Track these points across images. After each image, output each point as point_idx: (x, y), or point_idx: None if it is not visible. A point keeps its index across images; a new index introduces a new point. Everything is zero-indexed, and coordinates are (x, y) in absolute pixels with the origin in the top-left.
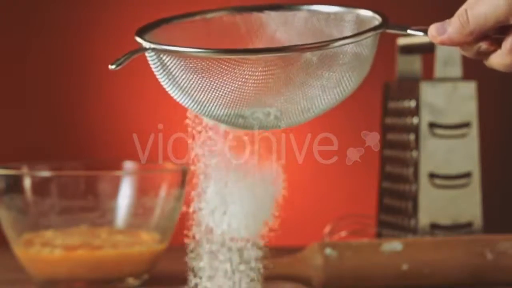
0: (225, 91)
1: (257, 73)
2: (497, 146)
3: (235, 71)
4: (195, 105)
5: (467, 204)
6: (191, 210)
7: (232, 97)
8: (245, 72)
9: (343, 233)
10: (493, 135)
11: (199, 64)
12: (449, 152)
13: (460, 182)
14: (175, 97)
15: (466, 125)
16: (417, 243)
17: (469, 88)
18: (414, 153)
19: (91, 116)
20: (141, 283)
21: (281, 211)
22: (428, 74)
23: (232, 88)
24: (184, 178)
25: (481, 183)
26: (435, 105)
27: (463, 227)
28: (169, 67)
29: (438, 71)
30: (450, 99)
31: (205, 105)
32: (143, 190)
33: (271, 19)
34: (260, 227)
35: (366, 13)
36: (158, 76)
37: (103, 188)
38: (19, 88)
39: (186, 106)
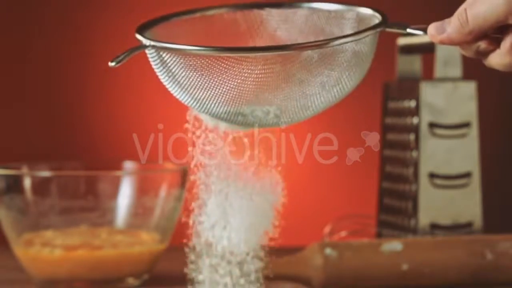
0: (224, 89)
1: (256, 71)
2: (497, 146)
3: (235, 69)
4: (195, 103)
5: (467, 204)
6: (190, 221)
7: (231, 94)
8: (244, 70)
9: (343, 233)
10: (493, 135)
11: (199, 62)
12: (449, 152)
13: (460, 182)
14: (175, 95)
15: (466, 125)
16: (417, 243)
17: (469, 88)
18: (414, 153)
19: (91, 116)
20: (141, 283)
21: (281, 214)
22: (428, 74)
23: (232, 85)
24: (184, 178)
25: (481, 183)
26: (435, 105)
27: (463, 227)
28: (169, 64)
29: (438, 71)
30: (450, 99)
31: (204, 103)
32: (143, 190)
33: (272, 16)
34: (260, 238)
35: (366, 11)
36: (158, 74)
37: (103, 188)
38: (19, 88)
39: (186, 103)
